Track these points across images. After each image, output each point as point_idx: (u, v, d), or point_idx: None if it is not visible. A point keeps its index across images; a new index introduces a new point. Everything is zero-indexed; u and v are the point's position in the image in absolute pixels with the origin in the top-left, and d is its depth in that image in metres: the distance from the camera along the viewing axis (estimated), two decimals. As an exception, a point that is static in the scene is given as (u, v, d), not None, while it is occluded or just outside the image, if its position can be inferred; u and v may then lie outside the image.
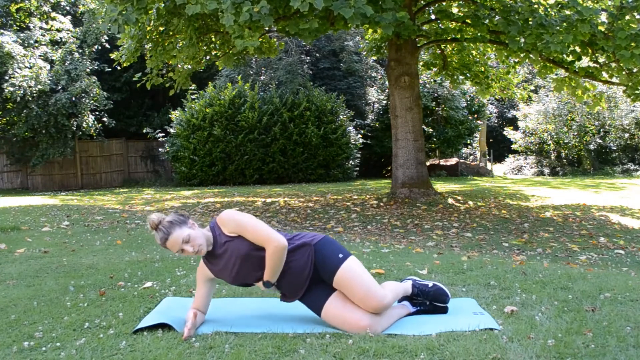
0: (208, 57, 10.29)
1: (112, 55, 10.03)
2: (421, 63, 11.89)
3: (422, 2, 9.92)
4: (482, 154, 22.77)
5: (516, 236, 6.55)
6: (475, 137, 22.29)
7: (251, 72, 18.87)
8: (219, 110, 15.75)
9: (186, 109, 16.33)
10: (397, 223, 7.43)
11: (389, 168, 17.87)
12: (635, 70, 8.08)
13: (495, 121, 30.11)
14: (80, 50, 16.80)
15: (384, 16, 6.66)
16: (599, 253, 5.53)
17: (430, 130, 19.03)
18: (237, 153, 15.85)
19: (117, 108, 18.36)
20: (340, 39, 19.12)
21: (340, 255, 2.51)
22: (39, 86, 15.21)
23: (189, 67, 10.04)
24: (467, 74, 11.64)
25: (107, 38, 17.32)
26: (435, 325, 2.44)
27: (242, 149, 15.81)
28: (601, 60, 8.59)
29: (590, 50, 8.15)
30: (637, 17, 7.46)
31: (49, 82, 15.51)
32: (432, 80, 18.50)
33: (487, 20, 8.17)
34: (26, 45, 15.98)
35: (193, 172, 16.06)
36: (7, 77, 15.08)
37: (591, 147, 20.52)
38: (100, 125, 17.37)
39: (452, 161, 20.92)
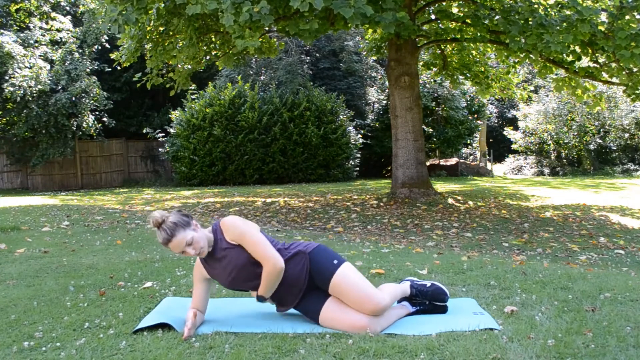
0: (208, 57, 10.29)
1: (112, 55, 10.03)
2: (421, 63, 11.89)
3: (422, 2, 9.92)
4: (482, 154, 22.77)
5: (516, 236, 6.55)
6: (475, 137, 22.29)
7: (251, 72, 18.87)
8: (219, 110, 15.75)
9: (186, 109, 16.33)
10: (397, 223, 7.43)
11: (389, 168, 17.87)
12: (635, 70, 8.08)
13: (495, 121, 30.11)
14: (80, 50, 16.80)
15: (384, 16, 6.66)
16: (599, 253, 5.53)
17: (430, 130, 19.04)
18: (237, 153, 15.85)
19: (117, 108, 18.36)
20: (340, 39, 19.12)
21: (335, 262, 2.53)
22: (39, 86, 15.21)
23: (189, 67, 10.04)
24: (467, 74, 11.64)
25: (107, 38, 17.32)
26: (435, 325, 2.44)
27: (242, 149, 15.81)
28: (601, 60, 8.59)
29: (590, 50, 8.15)
30: (637, 17, 7.46)
31: (49, 82, 15.51)
32: (432, 80, 18.50)
33: (487, 20, 8.17)
34: (26, 45, 15.98)
35: (193, 172, 16.06)
36: (7, 77, 15.09)
37: (591, 147, 20.52)
38: (100, 125, 17.37)
39: (452, 161, 20.92)
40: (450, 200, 9.66)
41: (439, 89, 19.12)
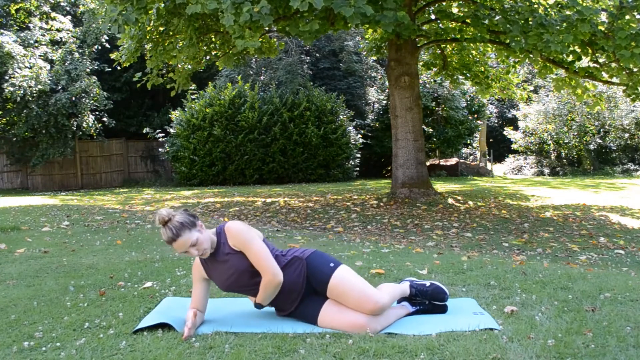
0: (208, 57, 10.29)
1: (112, 55, 10.03)
2: (421, 63, 11.88)
3: (422, 2, 9.92)
4: (482, 154, 22.77)
5: (516, 236, 6.55)
6: (475, 137, 22.29)
7: (251, 72, 18.88)
8: (219, 110, 15.76)
9: (186, 109, 16.33)
10: (397, 223, 7.43)
11: (389, 168, 17.87)
12: (635, 70, 8.08)
13: (495, 121, 30.11)
14: (80, 50, 16.80)
15: (385, 14, 6.66)
16: (599, 253, 5.53)
17: (430, 130, 19.03)
18: (237, 153, 15.85)
19: (117, 108, 18.36)
20: (340, 39, 19.12)
21: (332, 265, 2.55)
22: (39, 86, 15.21)
23: (189, 67, 10.04)
24: (467, 74, 11.64)
25: (107, 38, 17.32)
26: (435, 325, 2.44)
27: (242, 149, 15.81)
28: (601, 60, 8.59)
29: (590, 50, 8.15)
30: (637, 16, 7.46)
31: (49, 82, 15.51)
32: (432, 80, 18.50)
33: (487, 20, 8.17)
34: (26, 45, 15.98)
35: (193, 172, 16.06)
36: (7, 77, 15.09)
37: (591, 147, 20.52)
38: (100, 125, 17.37)
39: (452, 161, 20.92)
40: (450, 200, 9.66)
41: (439, 89, 19.12)
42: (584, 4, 7.70)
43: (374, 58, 18.06)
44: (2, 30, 15.81)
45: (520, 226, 7.27)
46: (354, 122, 18.16)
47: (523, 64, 14.04)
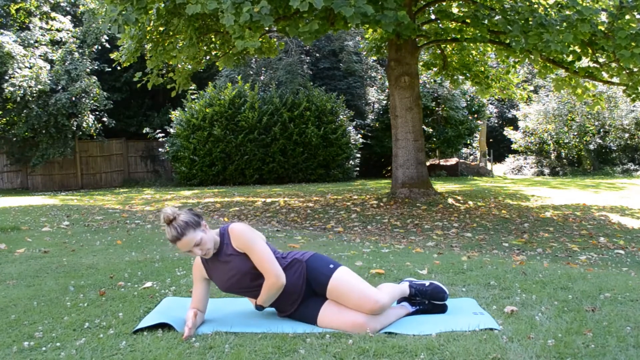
0: (208, 57, 10.29)
1: (112, 55, 10.03)
2: (421, 63, 11.88)
3: (422, 2, 9.92)
4: (482, 154, 22.77)
5: (516, 236, 6.55)
6: (475, 137, 22.29)
7: (251, 72, 18.88)
8: (219, 110, 15.75)
9: (186, 109, 16.33)
10: (397, 223, 7.43)
11: (389, 168, 17.87)
12: (635, 69, 8.08)
13: (495, 121, 30.11)
14: (80, 50, 16.80)
15: (385, 14, 6.66)
16: (599, 253, 5.53)
17: (430, 130, 19.04)
18: (237, 153, 15.85)
19: (117, 108, 18.36)
20: (340, 39, 19.13)
21: (331, 266, 2.56)
22: (39, 86, 15.21)
23: (189, 67, 10.04)
24: (467, 74, 11.64)
25: (107, 38, 17.32)
26: (435, 325, 2.44)
27: (242, 149, 15.81)
28: (601, 60, 8.59)
29: (590, 50, 8.15)
30: (637, 16, 7.46)
31: (49, 82, 15.51)
32: (432, 80, 18.50)
33: (487, 20, 8.17)
34: (26, 45, 15.98)
35: (193, 172, 16.06)
36: (7, 77, 15.09)
37: (591, 147, 20.53)
38: (100, 125, 17.38)
39: (452, 161, 20.92)
40: (450, 200, 9.66)
41: (439, 89, 19.12)
42: (584, 4, 7.70)
43: (374, 58, 18.06)
44: (2, 30, 15.81)
45: (520, 226, 7.27)
46: (354, 122, 18.16)
47: (523, 64, 14.03)
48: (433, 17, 10.42)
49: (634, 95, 8.38)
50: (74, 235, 5.94)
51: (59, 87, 15.96)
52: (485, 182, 16.33)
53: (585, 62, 9.42)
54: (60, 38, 16.99)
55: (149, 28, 8.71)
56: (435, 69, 11.79)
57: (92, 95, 16.19)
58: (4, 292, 3.24)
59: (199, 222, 2.47)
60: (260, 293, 2.51)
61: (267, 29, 8.43)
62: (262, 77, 18.75)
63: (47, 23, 17.17)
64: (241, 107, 15.98)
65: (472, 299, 2.90)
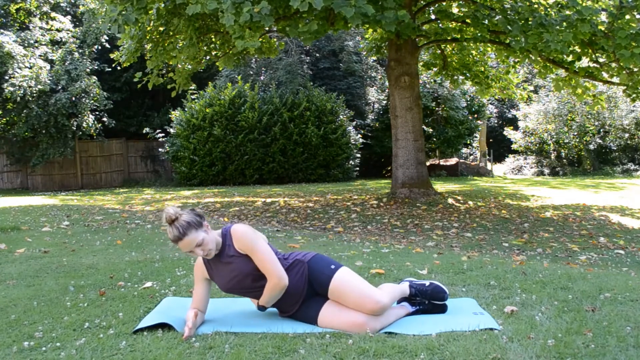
0: (208, 57, 10.28)
1: (112, 55, 10.02)
2: (421, 63, 11.88)
3: (422, 2, 9.92)
4: (482, 154, 22.77)
5: (516, 236, 6.55)
6: (475, 137, 22.29)
7: (251, 72, 18.87)
8: (219, 110, 15.75)
9: (186, 109, 16.33)
10: (397, 223, 7.43)
11: (389, 168, 17.87)
12: (635, 69, 8.08)
13: (495, 121, 30.11)
14: (80, 50, 16.80)
15: (385, 14, 6.66)
16: (599, 253, 5.53)
17: (430, 130, 19.03)
18: (237, 153, 15.85)
19: (117, 108, 18.36)
20: (340, 39, 19.12)
21: (333, 267, 2.57)
22: (39, 86, 15.21)
23: (189, 67, 10.03)
24: (467, 74, 11.64)
25: (107, 38, 17.32)
26: (435, 325, 2.44)
27: (242, 149, 15.81)
28: (601, 60, 8.59)
29: (590, 50, 8.15)
30: (637, 16, 7.46)
31: (49, 82, 15.51)
32: (432, 80, 18.50)
33: (487, 20, 8.17)
34: (26, 45, 15.98)
35: (193, 172, 16.06)
36: (7, 77, 15.09)
37: (591, 147, 20.53)
38: (100, 125, 17.38)
39: (452, 161, 20.92)
40: (450, 200, 9.66)
41: (439, 89, 19.11)
42: (584, 4, 7.70)
43: (374, 58, 18.06)
44: (2, 30, 15.81)
45: (520, 226, 7.27)
46: (354, 122, 18.16)
47: (523, 64, 14.03)
48: (433, 17, 10.42)
49: (634, 95, 8.39)
50: (74, 235, 5.94)
51: (59, 87, 15.96)
52: (485, 182, 16.33)
53: (585, 62, 9.42)
54: (60, 38, 16.99)
55: (149, 28, 8.70)
56: (435, 69, 11.79)
57: (92, 95, 16.19)
58: (4, 292, 3.24)
59: (201, 223, 2.47)
60: (263, 294, 2.51)
61: (267, 29, 8.43)
62: (262, 77, 18.75)
63: (47, 23, 17.18)
64: (241, 107, 15.98)
65: (472, 299, 2.90)
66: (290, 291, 2.53)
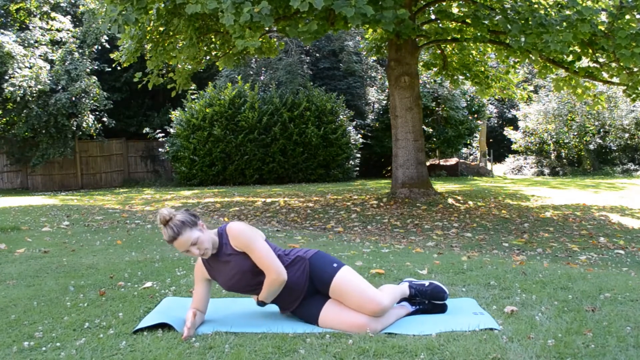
0: (208, 57, 10.28)
1: (112, 55, 10.02)
2: (421, 63, 11.88)
3: (422, 2, 9.92)
4: (482, 154, 22.77)
5: (516, 236, 6.55)
6: (475, 137, 22.29)
7: (251, 72, 18.87)
8: (219, 110, 15.76)
9: (186, 109, 16.33)
10: (397, 223, 7.43)
11: (389, 168, 17.87)
12: (635, 69, 8.08)
13: (495, 121, 30.11)
14: (80, 50, 16.80)
15: (384, 14, 6.65)
16: (599, 253, 5.53)
17: (430, 130, 19.04)
18: (237, 153, 15.85)
19: (117, 108, 18.36)
20: (340, 39, 19.12)
21: (335, 265, 2.56)
22: (39, 86, 15.21)
23: (189, 67, 10.03)
24: (467, 74, 11.64)
25: (107, 38, 17.32)
26: (435, 325, 2.44)
27: (242, 149, 15.81)
28: (601, 60, 8.59)
29: (590, 50, 8.15)
30: (637, 16, 7.46)
31: (49, 82, 15.51)
32: (432, 80, 18.50)
33: (487, 20, 8.18)
34: (26, 45, 15.98)
35: (193, 172, 16.06)
36: (7, 77, 15.09)
37: (591, 147, 20.53)
38: (100, 125, 17.38)
39: (452, 161, 20.92)
40: (450, 200, 9.66)
41: (439, 89, 19.11)
42: (584, 4, 7.70)
43: (374, 58, 18.06)
44: (2, 30, 15.81)
45: (520, 226, 7.27)
46: (354, 122, 18.16)
47: (523, 64, 14.03)
48: (433, 17, 10.42)
49: (634, 95, 8.39)
50: (74, 235, 5.94)
51: (59, 87, 15.96)
52: (485, 182, 16.33)
53: (585, 62, 9.42)
54: (60, 38, 16.99)
55: (149, 28, 8.70)
56: (435, 69, 11.79)
57: (92, 95, 16.19)
58: (4, 292, 3.24)
59: (196, 222, 2.47)
60: (262, 289, 2.51)
61: (267, 29, 8.43)
62: (262, 77, 18.75)
63: (47, 23, 17.18)
64: (241, 107, 15.98)
65: (472, 299, 2.90)
66: (291, 287, 2.52)
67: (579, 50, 8.12)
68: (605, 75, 8.87)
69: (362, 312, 2.43)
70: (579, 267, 4.22)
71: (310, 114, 16.28)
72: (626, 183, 15.00)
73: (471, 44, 10.80)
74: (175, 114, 16.53)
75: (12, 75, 15.07)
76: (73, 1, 18.74)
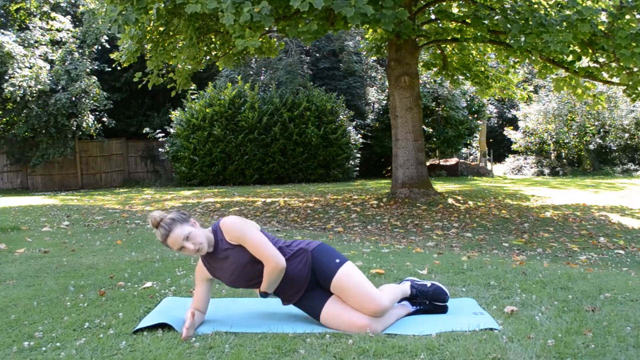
0: (208, 57, 10.28)
1: (112, 55, 10.01)
2: (421, 63, 11.88)
3: (422, 2, 9.92)
4: (482, 154, 22.77)
5: (516, 236, 6.55)
6: (475, 137, 22.29)
7: (251, 72, 18.88)
8: (219, 110, 15.76)
9: (186, 109, 16.34)
10: (397, 223, 7.43)
11: (389, 168, 17.87)
12: (635, 69, 8.08)
13: (495, 121, 30.11)
14: (80, 50, 16.80)
15: (384, 12, 6.65)
16: (599, 253, 5.53)
17: (430, 130, 19.04)
18: (237, 153, 15.85)
19: (117, 108, 18.37)
20: (340, 39, 19.13)
21: (337, 260, 2.54)
22: (39, 86, 15.21)
23: (189, 67, 10.03)
24: (467, 74, 11.64)
25: (107, 38, 17.32)
26: (435, 325, 2.44)
27: (242, 149, 15.81)
28: (601, 60, 8.59)
29: (590, 50, 8.15)
30: (637, 16, 7.46)
31: (49, 82, 15.51)
32: (432, 80, 18.50)
33: (487, 20, 8.18)
34: (26, 45, 15.98)
35: (193, 172, 16.07)
36: (7, 77, 15.09)
37: (591, 147, 20.53)
38: (100, 125, 17.38)
39: (452, 161, 20.92)
40: (450, 200, 9.66)
41: (439, 89, 19.11)
42: (584, 4, 7.70)
43: (374, 58, 18.05)
44: (2, 30, 15.81)
45: (520, 226, 7.27)
46: (354, 122, 18.16)
47: (523, 64, 14.03)
48: (433, 17, 10.42)
49: (634, 95, 8.38)
50: (74, 235, 5.94)
51: (59, 87, 15.96)
52: (485, 182, 16.33)
53: (585, 62, 9.42)
54: (60, 38, 16.99)
55: (149, 28, 8.70)
56: (435, 69, 11.79)
57: (92, 95, 16.19)
58: (4, 292, 3.24)
59: (187, 219, 2.49)
60: (263, 280, 2.49)
61: (267, 29, 8.43)
62: (262, 77, 18.75)
63: (47, 23, 17.18)
64: (241, 107, 15.98)
65: (472, 299, 2.90)
66: (293, 279, 2.51)
67: (579, 50, 8.12)
68: (605, 75, 8.87)
69: (362, 311, 2.43)
70: (579, 267, 4.22)
71: (310, 114, 16.28)
72: (626, 183, 15.00)
73: (471, 44, 10.80)
74: (175, 114, 16.53)
75: (12, 75, 15.07)
76: (73, 1, 18.74)
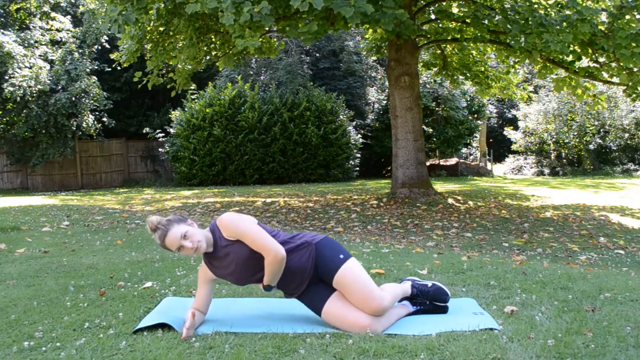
0: (208, 57, 10.28)
1: (112, 56, 10.01)
2: (421, 63, 11.88)
3: (422, 2, 9.92)
4: (482, 154, 22.77)
5: (516, 236, 6.55)
6: (475, 137, 22.29)
7: (251, 72, 18.88)
8: (219, 110, 15.76)
9: (186, 109, 16.34)
10: (397, 223, 7.43)
11: (389, 168, 17.87)
12: (635, 69, 8.08)
13: (495, 121, 30.11)
14: (80, 50, 16.80)
15: (384, 12, 6.65)
16: (599, 253, 5.53)
17: (430, 130, 19.04)
18: (237, 153, 15.85)
19: (117, 108, 18.37)
20: (340, 39, 19.13)
21: (341, 256, 2.53)
22: (39, 86, 15.22)
23: (189, 67, 10.03)
24: (467, 74, 11.64)
25: (107, 38, 17.32)
26: (435, 325, 2.44)
27: (242, 149, 15.81)
28: (601, 60, 8.59)
29: (590, 50, 8.15)
30: (637, 16, 7.46)
31: (49, 82, 15.51)
32: (432, 80, 18.50)
33: (487, 20, 8.17)
34: (26, 45, 15.98)
35: (193, 172, 16.07)
36: (7, 77, 15.09)
37: (591, 147, 20.52)
38: (100, 125, 17.38)
39: (452, 161, 20.92)
40: (450, 200, 9.66)
41: (439, 89, 19.11)
42: (584, 4, 7.70)
43: (374, 58, 18.06)
44: (2, 30, 15.81)
45: (520, 226, 7.27)
46: (354, 122, 18.15)
47: (523, 64, 14.04)
48: (433, 17, 10.42)
49: (634, 95, 8.38)
50: (74, 235, 5.94)
51: (59, 87, 15.96)
52: (485, 182, 16.33)
53: (585, 62, 9.41)
54: (60, 38, 16.99)
55: (149, 28, 8.70)
56: (435, 69, 11.79)
57: (92, 95, 16.19)
58: (4, 292, 3.24)
59: (184, 219, 2.51)
60: (265, 273, 2.48)
61: (267, 29, 8.43)
62: (262, 77, 18.75)
63: (47, 23, 17.18)
64: (241, 107, 15.98)
65: (472, 299, 2.90)
66: (295, 272, 2.50)
67: (579, 50, 8.11)
68: (605, 75, 8.87)
69: (362, 309, 2.43)
70: (579, 267, 4.22)
71: (310, 114, 16.28)
72: (626, 183, 15.00)
73: (471, 44, 10.80)
74: (175, 114, 16.53)
75: (12, 75, 15.07)
76: (73, 1, 18.75)
